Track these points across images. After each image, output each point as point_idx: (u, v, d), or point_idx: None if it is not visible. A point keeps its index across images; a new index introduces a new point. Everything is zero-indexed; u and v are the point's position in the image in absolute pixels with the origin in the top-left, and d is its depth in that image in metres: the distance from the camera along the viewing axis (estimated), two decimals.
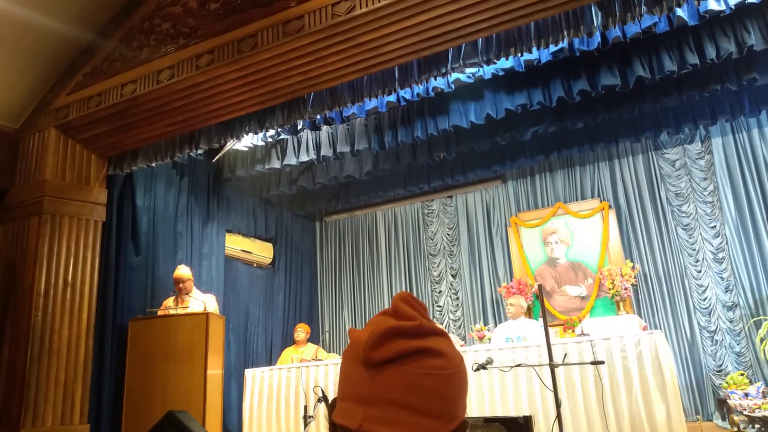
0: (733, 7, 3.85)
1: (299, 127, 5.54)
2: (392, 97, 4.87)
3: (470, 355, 4.86)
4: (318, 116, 4.92)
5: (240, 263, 7.12)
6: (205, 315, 5.05)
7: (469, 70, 4.52)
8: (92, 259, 5.14)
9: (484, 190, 7.58)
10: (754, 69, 4.69)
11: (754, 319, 5.72)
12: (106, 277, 5.26)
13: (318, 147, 5.90)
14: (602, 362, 3.97)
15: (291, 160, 6.04)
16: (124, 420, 4.96)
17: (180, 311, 5.29)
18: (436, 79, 4.46)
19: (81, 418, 4.82)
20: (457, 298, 7.47)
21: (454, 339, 6.06)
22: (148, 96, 4.53)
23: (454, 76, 4.65)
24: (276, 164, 6.17)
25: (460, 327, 7.33)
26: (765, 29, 4.18)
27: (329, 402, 3.80)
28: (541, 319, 4.44)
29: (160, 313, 5.33)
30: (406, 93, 4.89)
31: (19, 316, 4.75)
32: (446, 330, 6.66)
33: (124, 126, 4.89)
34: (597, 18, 3.64)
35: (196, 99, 4.53)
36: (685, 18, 3.91)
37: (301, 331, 6.74)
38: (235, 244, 7.07)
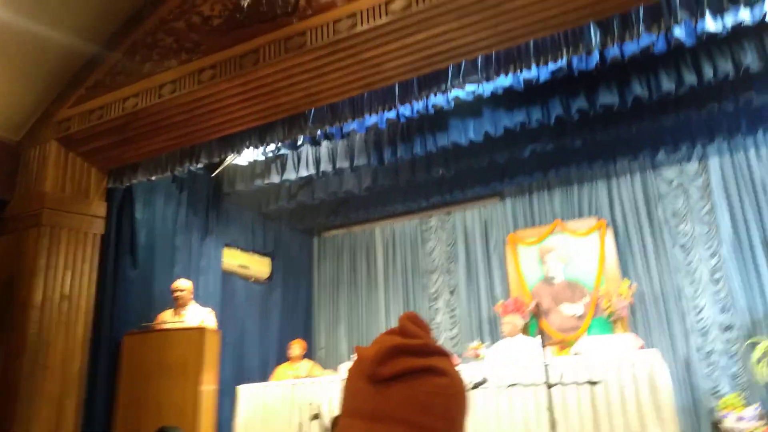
0: (729, 29, 3.91)
1: (299, 142, 5.56)
2: (392, 114, 4.90)
3: (466, 373, 4.83)
4: (318, 132, 4.95)
5: (237, 278, 7.10)
6: (201, 330, 5.03)
7: (468, 88, 4.56)
8: (90, 273, 5.12)
9: (482, 207, 7.59)
10: (751, 89, 4.75)
11: (750, 340, 5.69)
12: (102, 290, 5.23)
13: (318, 162, 5.92)
14: (598, 382, 3.95)
15: (290, 174, 6.05)
16: None
17: (176, 324, 5.26)
18: (436, 96, 4.49)
19: None
20: (454, 316, 7.44)
21: None
22: (149, 110, 4.55)
23: (454, 93, 4.68)
24: (275, 179, 6.18)
25: (456, 345, 7.29)
26: (761, 50, 4.24)
27: (329, 419, 3.77)
28: (538, 337, 4.43)
29: (155, 327, 5.29)
30: (406, 109, 4.92)
31: (14, 328, 4.72)
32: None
33: (125, 139, 4.91)
34: (596, 36, 3.69)
35: (197, 113, 4.56)
36: (683, 38, 3.97)
37: (297, 347, 6.69)
38: (233, 258, 7.06)
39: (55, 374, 4.73)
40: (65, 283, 4.96)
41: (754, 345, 5.50)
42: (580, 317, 6.61)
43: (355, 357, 0.74)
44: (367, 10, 3.75)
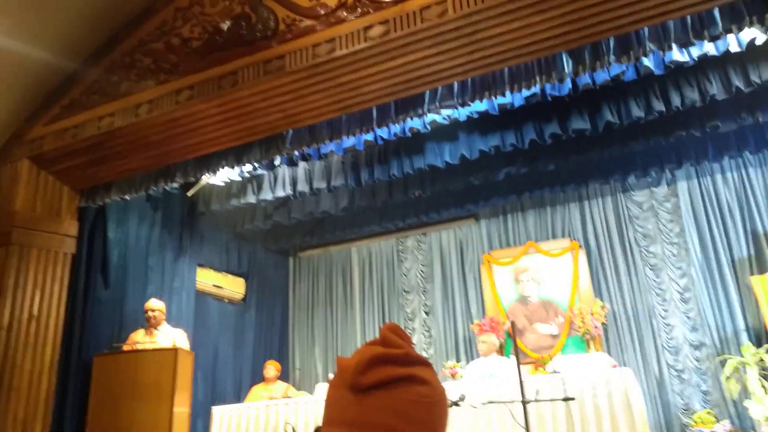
0: (696, 58, 4.06)
1: (276, 163, 5.56)
2: (370, 136, 4.95)
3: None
4: (296, 152, 4.97)
5: (211, 298, 7.02)
6: (174, 351, 4.96)
7: (444, 112, 4.63)
8: (60, 292, 5.02)
9: (457, 227, 7.66)
10: (717, 117, 4.91)
11: (719, 358, 5.82)
12: (72, 310, 5.12)
13: (294, 182, 5.92)
14: (573, 398, 4.00)
15: (267, 195, 6.04)
16: None
17: (148, 345, 5.18)
18: (412, 120, 4.55)
19: None
20: (430, 336, 7.46)
21: None
22: (125, 129, 4.52)
23: (430, 117, 4.75)
24: (251, 199, 6.16)
25: (432, 364, 7.28)
26: (725, 80, 4.41)
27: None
28: (513, 357, 4.47)
29: (126, 348, 5.20)
30: (383, 132, 4.97)
31: None
32: None
33: (99, 158, 4.86)
34: (568, 65, 3.79)
35: (174, 133, 4.54)
36: (652, 67, 4.10)
37: (272, 369, 6.63)
38: (207, 278, 6.98)
39: (21, 397, 4.60)
40: (34, 304, 4.85)
41: (723, 362, 5.62)
42: (555, 336, 6.68)
43: (332, 376, 0.75)
44: (347, 35, 3.80)
